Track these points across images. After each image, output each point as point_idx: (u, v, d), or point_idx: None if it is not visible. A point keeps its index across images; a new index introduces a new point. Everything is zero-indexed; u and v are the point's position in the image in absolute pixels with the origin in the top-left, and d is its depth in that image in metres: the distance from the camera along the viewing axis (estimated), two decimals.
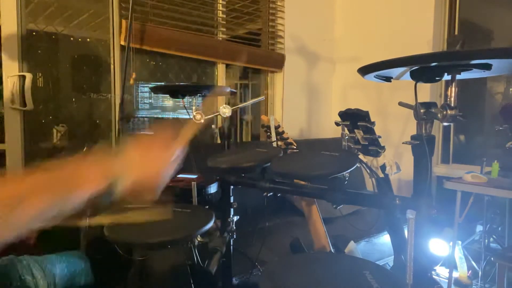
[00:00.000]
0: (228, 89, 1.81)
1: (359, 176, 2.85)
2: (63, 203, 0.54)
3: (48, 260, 1.06)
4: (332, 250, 1.43)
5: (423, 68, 0.90)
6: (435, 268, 2.41)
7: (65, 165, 0.56)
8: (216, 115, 1.65)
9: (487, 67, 0.83)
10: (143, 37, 2.31)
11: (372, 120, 1.06)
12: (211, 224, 1.09)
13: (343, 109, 1.12)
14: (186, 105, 2.02)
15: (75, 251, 1.17)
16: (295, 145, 1.58)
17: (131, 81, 2.29)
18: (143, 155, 0.61)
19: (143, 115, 2.47)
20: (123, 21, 2.23)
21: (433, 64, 0.87)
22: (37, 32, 2.12)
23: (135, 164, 0.59)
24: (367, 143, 1.09)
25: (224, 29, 2.88)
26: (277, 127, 1.57)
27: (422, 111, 0.93)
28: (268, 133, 1.57)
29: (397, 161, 1.17)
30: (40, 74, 2.17)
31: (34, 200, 0.50)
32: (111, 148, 0.58)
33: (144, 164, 0.60)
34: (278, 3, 3.13)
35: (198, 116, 1.57)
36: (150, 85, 2.47)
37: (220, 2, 2.82)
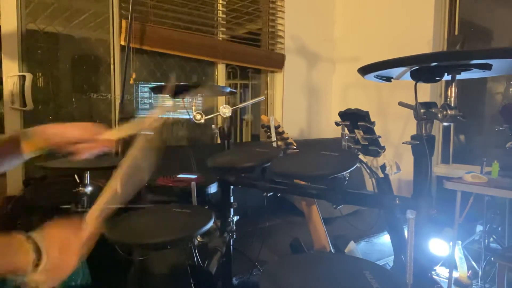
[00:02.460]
0: (228, 89, 1.81)
1: (359, 176, 2.85)
2: None
3: None
4: (332, 250, 1.43)
5: (423, 68, 0.90)
6: (435, 268, 2.41)
7: None
8: (216, 115, 1.65)
9: (487, 67, 0.83)
10: (143, 37, 2.31)
11: (372, 120, 1.05)
12: (211, 224, 1.09)
13: (343, 109, 1.12)
14: (186, 105, 2.02)
15: None
16: (295, 145, 1.58)
17: (131, 81, 2.29)
18: (59, 246, 0.67)
19: (143, 115, 2.47)
20: (123, 21, 2.23)
21: (433, 64, 0.87)
22: (37, 32, 2.12)
23: (53, 252, 0.65)
24: (367, 143, 1.09)
25: (224, 29, 2.88)
26: (277, 127, 1.57)
27: (422, 111, 0.93)
28: (268, 133, 1.57)
29: (397, 161, 1.17)
30: (40, 74, 2.17)
31: None
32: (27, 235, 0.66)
33: (61, 254, 0.67)
34: (278, 3, 3.13)
35: (198, 116, 1.57)
36: (150, 85, 2.47)
37: (220, 2, 2.82)
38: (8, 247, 0.62)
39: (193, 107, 1.60)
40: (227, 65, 2.92)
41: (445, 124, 0.91)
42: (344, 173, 1.03)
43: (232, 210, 1.43)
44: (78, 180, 1.59)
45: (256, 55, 3.02)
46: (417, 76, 0.92)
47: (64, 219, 0.72)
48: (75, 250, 0.69)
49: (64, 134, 0.85)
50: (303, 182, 1.20)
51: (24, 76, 1.98)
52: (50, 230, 0.69)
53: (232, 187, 1.42)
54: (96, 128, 0.88)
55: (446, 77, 0.91)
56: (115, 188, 0.79)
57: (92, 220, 0.74)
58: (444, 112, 0.89)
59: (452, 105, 0.89)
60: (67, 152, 0.87)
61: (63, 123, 0.86)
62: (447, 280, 2.19)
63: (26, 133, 0.83)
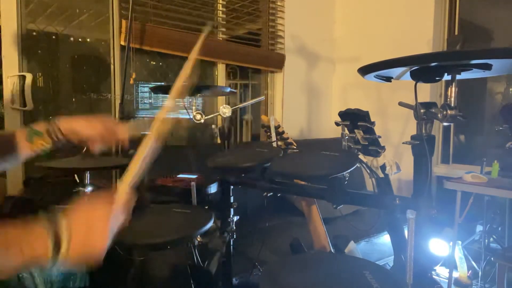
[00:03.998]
0: (228, 89, 1.81)
1: (359, 176, 2.85)
2: (2, 263, 0.55)
3: None
4: (332, 250, 1.43)
5: (423, 68, 0.90)
6: (435, 268, 2.41)
7: (11, 227, 0.57)
8: (216, 115, 1.65)
9: (487, 67, 0.83)
10: (143, 37, 2.31)
11: (372, 120, 1.05)
12: (211, 224, 1.09)
13: (343, 109, 1.12)
14: (186, 105, 2.02)
15: None
16: (295, 145, 1.58)
17: (131, 81, 2.29)
18: (84, 225, 0.61)
19: (143, 115, 2.47)
20: (123, 21, 2.23)
21: (433, 64, 0.87)
22: (37, 32, 2.12)
23: (77, 233, 0.59)
24: (367, 143, 1.09)
25: (224, 29, 2.88)
26: (277, 127, 1.57)
27: (422, 111, 0.93)
28: (268, 133, 1.57)
29: (397, 161, 1.17)
30: (40, 74, 2.16)
31: None
32: (54, 215, 0.60)
33: (86, 233, 0.60)
34: (278, 3, 3.13)
35: (198, 116, 1.57)
36: (150, 85, 2.47)
37: (220, 2, 2.82)
38: (24, 236, 0.57)
39: (193, 107, 1.60)
40: (227, 65, 2.92)
41: (445, 124, 0.91)
42: (344, 173, 1.03)
43: (232, 210, 1.43)
44: (78, 180, 1.59)
45: (256, 55, 3.02)
46: (417, 76, 0.92)
47: (94, 194, 0.65)
48: (104, 227, 0.61)
49: (79, 132, 0.83)
50: (303, 182, 1.20)
51: (24, 76, 1.98)
52: (75, 210, 0.62)
53: (232, 187, 1.42)
54: (111, 125, 0.86)
55: (446, 77, 0.91)
56: (144, 156, 0.70)
57: (124, 190, 0.67)
58: (444, 112, 0.89)
59: (452, 105, 0.89)
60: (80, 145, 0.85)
61: (78, 118, 0.84)
62: (447, 280, 2.19)
63: (34, 129, 0.80)
